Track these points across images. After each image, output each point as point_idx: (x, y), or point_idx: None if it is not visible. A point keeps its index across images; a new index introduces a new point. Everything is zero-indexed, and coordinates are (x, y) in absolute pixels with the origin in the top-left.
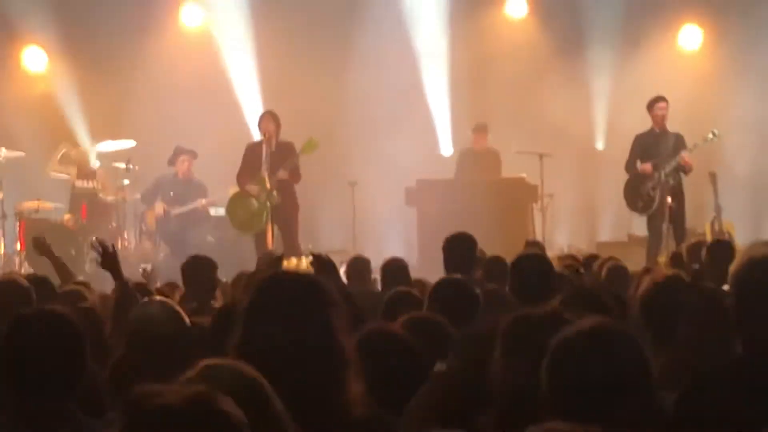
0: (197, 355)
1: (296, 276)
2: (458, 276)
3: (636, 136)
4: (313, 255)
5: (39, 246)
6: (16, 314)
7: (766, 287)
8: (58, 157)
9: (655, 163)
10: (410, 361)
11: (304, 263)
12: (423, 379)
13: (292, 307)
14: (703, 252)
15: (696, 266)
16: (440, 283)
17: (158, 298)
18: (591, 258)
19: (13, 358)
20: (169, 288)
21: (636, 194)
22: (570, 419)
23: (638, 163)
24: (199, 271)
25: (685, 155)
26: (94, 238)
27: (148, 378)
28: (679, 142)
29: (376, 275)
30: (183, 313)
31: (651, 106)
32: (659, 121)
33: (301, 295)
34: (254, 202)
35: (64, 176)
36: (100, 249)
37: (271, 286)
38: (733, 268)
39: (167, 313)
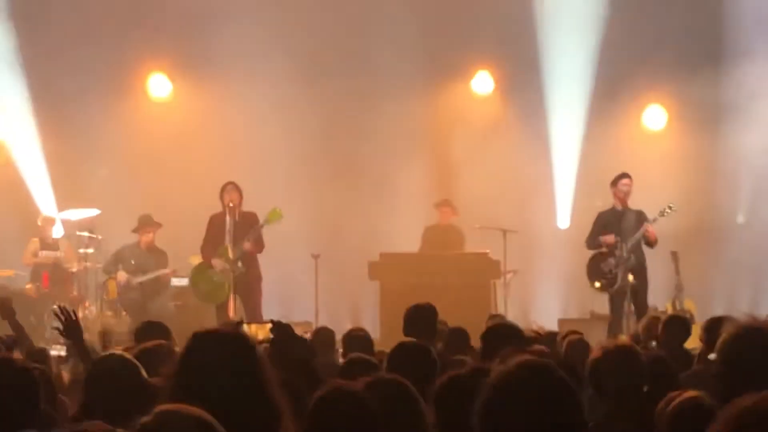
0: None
1: (225, 330)
2: (415, 340)
3: (599, 214)
4: (273, 321)
5: (3, 307)
6: None
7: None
8: (31, 250)
9: (616, 240)
10: (366, 419)
11: (264, 330)
12: None
13: (222, 362)
14: (660, 328)
15: (653, 343)
16: (398, 347)
17: (117, 351)
18: (551, 334)
19: None
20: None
21: (598, 272)
22: None
23: (599, 239)
24: (152, 336)
25: (649, 227)
26: (56, 305)
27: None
28: (641, 218)
29: (340, 347)
30: (141, 367)
31: (615, 182)
32: (622, 198)
33: (229, 347)
34: (217, 272)
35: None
36: (62, 317)
37: (201, 339)
38: (723, 336)
39: (125, 366)
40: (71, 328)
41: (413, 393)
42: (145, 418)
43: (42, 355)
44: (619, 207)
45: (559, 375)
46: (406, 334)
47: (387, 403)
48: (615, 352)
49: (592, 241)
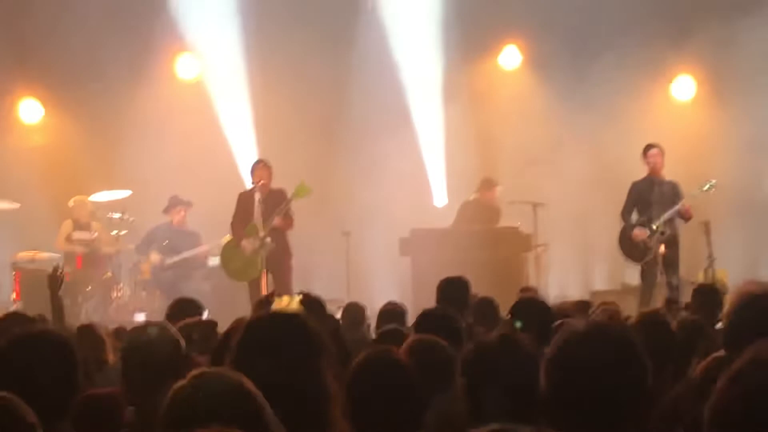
0: None
1: (285, 316)
2: (440, 307)
3: (633, 183)
4: (303, 294)
5: (53, 279)
6: (12, 334)
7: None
8: (65, 234)
9: (648, 217)
10: (407, 383)
11: (294, 302)
12: (419, 402)
13: (280, 348)
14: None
15: (683, 312)
16: (424, 314)
17: (157, 322)
18: (585, 305)
19: (9, 378)
20: None
21: (631, 243)
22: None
23: (635, 212)
24: (184, 313)
25: (685, 203)
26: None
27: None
28: (676, 191)
29: (371, 321)
30: (180, 339)
31: (644, 152)
32: (653, 168)
33: (289, 335)
34: (247, 251)
35: (76, 249)
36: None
37: (260, 326)
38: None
39: (164, 337)
40: (53, 282)
41: (450, 352)
42: (181, 382)
43: (89, 330)
44: (653, 176)
45: (630, 337)
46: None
47: (425, 363)
48: (645, 321)
49: (627, 213)
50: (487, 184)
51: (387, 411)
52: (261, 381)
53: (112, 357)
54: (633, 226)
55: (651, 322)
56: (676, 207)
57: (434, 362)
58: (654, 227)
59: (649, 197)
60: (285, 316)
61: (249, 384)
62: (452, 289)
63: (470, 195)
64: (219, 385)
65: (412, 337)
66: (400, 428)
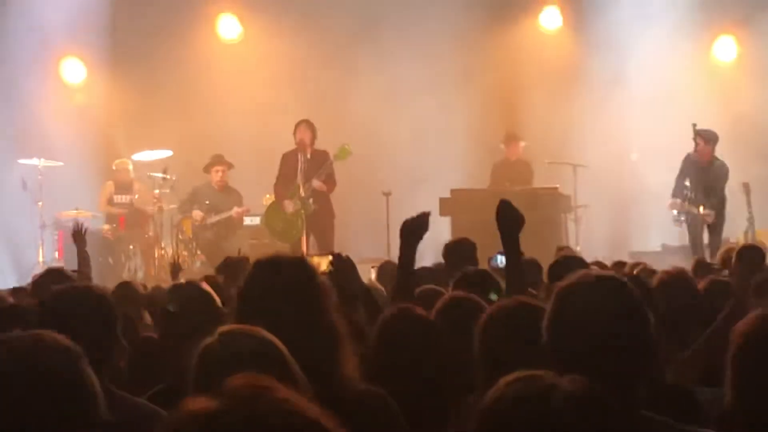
0: None
1: (286, 257)
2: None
3: (686, 155)
4: (333, 254)
5: (78, 234)
6: (53, 290)
7: None
8: (107, 195)
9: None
10: (432, 340)
11: (325, 262)
12: (441, 359)
13: (283, 287)
14: (733, 258)
15: (725, 272)
16: (464, 274)
17: (192, 280)
18: (620, 265)
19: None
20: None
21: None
22: (568, 369)
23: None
24: (234, 271)
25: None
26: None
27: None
28: (724, 171)
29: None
30: (214, 295)
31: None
32: (701, 155)
33: (291, 274)
34: (289, 212)
35: (118, 210)
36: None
37: (264, 266)
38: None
39: (200, 294)
40: (78, 237)
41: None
42: (209, 339)
43: (127, 288)
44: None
45: (628, 289)
46: (448, 267)
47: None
48: (668, 278)
49: (677, 188)
50: (511, 138)
51: (411, 367)
52: (267, 324)
53: (148, 317)
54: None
55: (675, 281)
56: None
57: (467, 319)
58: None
59: (696, 176)
60: (285, 257)
61: (275, 340)
62: (460, 251)
63: (497, 152)
64: (247, 341)
65: (448, 294)
66: (422, 384)
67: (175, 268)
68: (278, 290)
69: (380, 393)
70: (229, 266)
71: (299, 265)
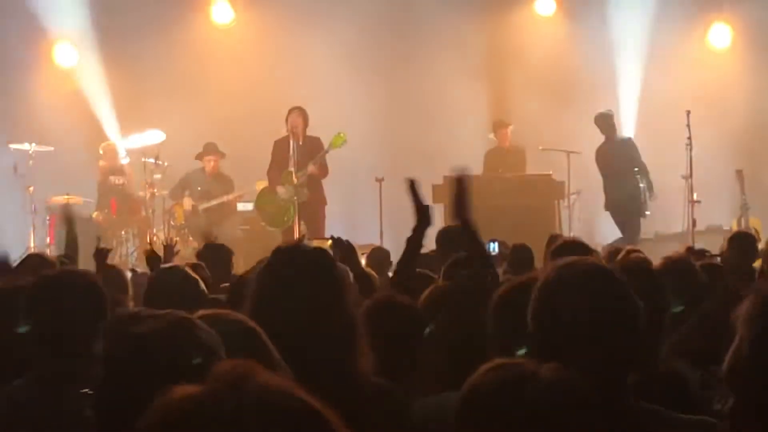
0: None
1: (307, 247)
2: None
3: None
4: (333, 238)
5: (66, 216)
6: (40, 275)
7: None
8: (105, 175)
9: None
10: (414, 327)
11: (325, 246)
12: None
13: (303, 276)
14: (724, 244)
15: (717, 257)
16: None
17: (177, 264)
18: (614, 251)
19: (40, 318)
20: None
21: None
22: (553, 356)
23: None
24: (216, 256)
25: None
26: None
27: None
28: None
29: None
30: (200, 280)
31: None
32: None
33: (311, 264)
34: (282, 197)
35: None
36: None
37: (284, 255)
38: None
39: (185, 278)
40: (66, 219)
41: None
42: None
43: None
44: None
45: (614, 276)
46: (439, 254)
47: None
48: (670, 264)
49: None
50: (498, 126)
51: (387, 354)
52: (284, 311)
53: (132, 301)
54: None
55: (676, 265)
56: None
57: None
58: None
59: None
60: (306, 247)
61: (254, 324)
62: (452, 237)
63: (489, 141)
64: (227, 325)
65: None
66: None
67: (169, 250)
68: (297, 279)
69: (393, 387)
70: (210, 250)
71: (319, 254)
